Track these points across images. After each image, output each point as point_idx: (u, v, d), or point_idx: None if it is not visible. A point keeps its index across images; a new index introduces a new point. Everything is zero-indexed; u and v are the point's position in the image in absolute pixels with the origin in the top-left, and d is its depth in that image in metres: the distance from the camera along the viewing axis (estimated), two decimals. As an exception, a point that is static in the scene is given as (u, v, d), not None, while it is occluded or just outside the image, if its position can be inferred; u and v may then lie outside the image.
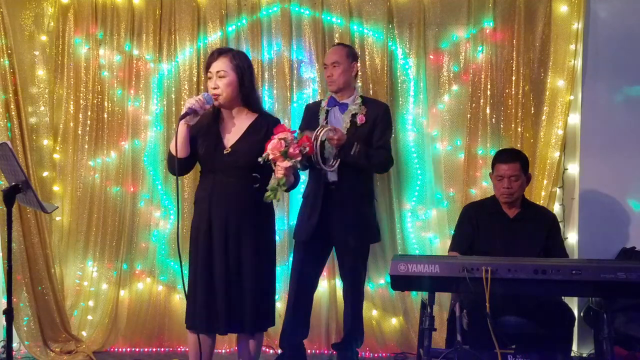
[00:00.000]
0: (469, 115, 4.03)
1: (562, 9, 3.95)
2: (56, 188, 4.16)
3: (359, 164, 3.45)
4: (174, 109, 4.11)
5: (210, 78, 2.87)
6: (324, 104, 3.65)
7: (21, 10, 4.04)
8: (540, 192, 3.96)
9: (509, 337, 2.82)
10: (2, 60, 3.89)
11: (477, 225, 3.45)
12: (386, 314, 4.11)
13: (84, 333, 4.14)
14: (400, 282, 2.80)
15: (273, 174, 2.74)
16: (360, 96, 3.62)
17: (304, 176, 3.60)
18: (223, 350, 4.05)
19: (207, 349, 2.97)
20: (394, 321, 4.11)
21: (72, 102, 4.13)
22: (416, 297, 4.04)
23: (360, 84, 4.00)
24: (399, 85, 4.09)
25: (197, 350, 2.90)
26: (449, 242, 3.70)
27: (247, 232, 2.85)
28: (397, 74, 4.08)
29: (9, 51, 3.90)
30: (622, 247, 3.95)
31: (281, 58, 4.09)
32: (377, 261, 4.06)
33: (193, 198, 3.03)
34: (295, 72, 4.11)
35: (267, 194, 2.72)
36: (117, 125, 4.14)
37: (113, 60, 4.15)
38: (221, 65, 2.85)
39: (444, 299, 3.85)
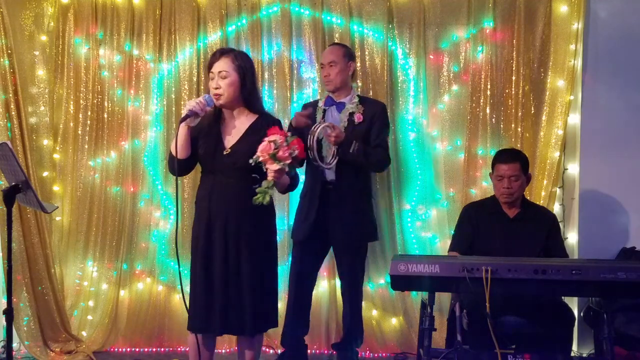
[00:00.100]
0: (469, 116, 4.03)
1: (562, 9, 3.95)
2: (56, 188, 4.16)
3: (357, 162, 3.45)
4: (174, 109, 4.11)
5: (212, 78, 2.87)
6: (321, 103, 3.66)
7: (21, 10, 4.04)
8: (540, 192, 3.96)
9: (509, 337, 2.83)
10: (2, 60, 3.89)
11: (477, 225, 3.45)
12: (386, 314, 4.11)
13: (84, 333, 4.14)
14: (400, 282, 2.80)
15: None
16: (357, 95, 3.63)
17: (302, 176, 3.60)
18: (223, 350, 4.05)
19: (207, 350, 2.97)
20: (394, 321, 4.11)
21: (72, 102, 4.13)
22: (416, 297, 4.04)
23: (360, 84, 4.00)
24: (399, 85, 4.09)
25: (197, 351, 2.90)
26: (449, 242, 3.70)
27: (247, 232, 2.85)
28: (397, 73, 4.08)
29: (9, 51, 3.89)
30: (622, 247, 3.95)
31: (281, 58, 4.09)
32: (377, 261, 4.06)
33: (193, 198, 3.03)
34: (295, 72, 4.11)
35: (256, 196, 2.71)
36: (117, 125, 4.14)
37: (113, 60, 4.15)
38: (223, 65, 2.84)
39: (444, 299, 3.85)
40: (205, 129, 2.92)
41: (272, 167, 2.68)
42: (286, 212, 4.08)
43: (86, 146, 4.13)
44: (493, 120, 4.01)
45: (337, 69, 3.56)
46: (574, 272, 2.64)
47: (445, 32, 4.08)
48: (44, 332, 3.97)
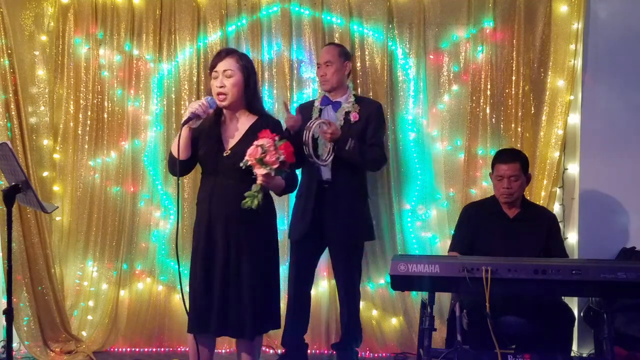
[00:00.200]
0: (469, 116, 4.03)
1: (562, 9, 3.95)
2: (56, 188, 4.16)
3: (353, 159, 3.46)
4: (174, 109, 4.10)
5: (215, 77, 2.86)
6: (317, 103, 3.67)
7: (21, 10, 4.04)
8: (540, 192, 3.96)
9: (509, 337, 2.83)
10: (2, 60, 3.89)
11: (477, 225, 3.44)
12: (386, 314, 4.11)
13: (84, 333, 4.14)
14: (400, 282, 2.80)
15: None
16: (354, 95, 3.64)
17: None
18: (223, 351, 4.05)
19: (207, 350, 2.97)
20: (394, 321, 4.10)
21: (72, 102, 4.13)
22: (416, 297, 4.04)
23: (359, 82, 4.00)
24: (399, 85, 4.09)
25: (196, 351, 2.90)
26: (449, 242, 3.70)
27: (248, 233, 2.84)
28: (397, 73, 4.08)
29: (9, 51, 3.89)
30: (622, 247, 3.95)
31: (281, 58, 4.09)
32: (377, 261, 4.06)
33: (193, 198, 3.04)
34: (295, 72, 4.11)
35: (244, 200, 2.69)
36: (117, 125, 4.14)
37: (113, 60, 4.15)
38: (228, 64, 2.84)
39: (444, 299, 3.85)
40: (206, 130, 2.92)
41: (259, 172, 2.67)
42: (286, 212, 4.07)
43: (86, 146, 4.13)
44: (493, 120, 4.01)
45: (333, 69, 3.57)
46: (574, 272, 2.64)
47: (445, 32, 4.08)
48: (44, 332, 3.97)
